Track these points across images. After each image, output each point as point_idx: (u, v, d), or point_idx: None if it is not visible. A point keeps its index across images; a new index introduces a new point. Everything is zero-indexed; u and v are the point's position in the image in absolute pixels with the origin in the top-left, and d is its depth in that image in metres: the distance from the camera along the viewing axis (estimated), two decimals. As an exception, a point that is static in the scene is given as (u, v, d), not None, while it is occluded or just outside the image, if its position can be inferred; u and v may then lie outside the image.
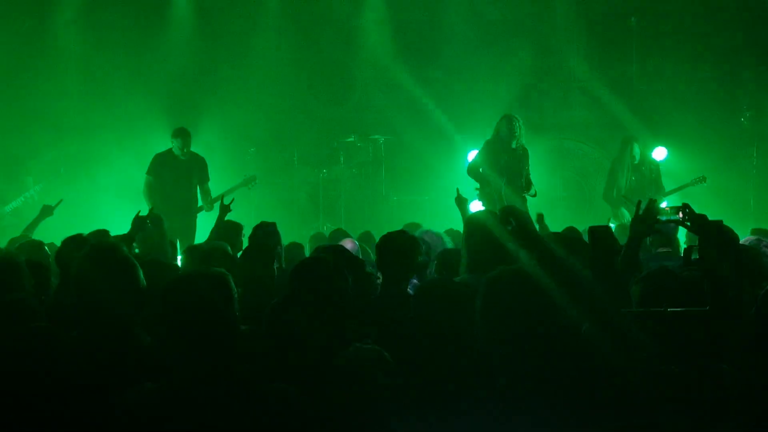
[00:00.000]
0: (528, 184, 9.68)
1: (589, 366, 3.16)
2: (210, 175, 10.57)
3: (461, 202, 7.50)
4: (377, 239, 8.09)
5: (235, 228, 7.45)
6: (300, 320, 3.17)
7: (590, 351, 3.32)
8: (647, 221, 4.44)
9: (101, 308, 3.36)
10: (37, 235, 8.12)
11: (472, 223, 5.18)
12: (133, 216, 6.71)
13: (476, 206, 10.85)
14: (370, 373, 2.90)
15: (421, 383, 3.01)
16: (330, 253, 4.66)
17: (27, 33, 12.50)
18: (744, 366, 2.94)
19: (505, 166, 9.63)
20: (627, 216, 10.87)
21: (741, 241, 5.33)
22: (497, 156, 9.71)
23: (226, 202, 7.94)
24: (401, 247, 5.00)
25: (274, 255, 6.11)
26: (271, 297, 4.05)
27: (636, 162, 11.15)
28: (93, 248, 3.56)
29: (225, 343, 2.85)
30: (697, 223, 4.05)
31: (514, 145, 9.73)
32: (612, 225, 10.40)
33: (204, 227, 9.27)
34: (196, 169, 10.36)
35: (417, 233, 7.48)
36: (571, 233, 6.24)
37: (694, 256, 3.84)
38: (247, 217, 11.27)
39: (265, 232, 6.63)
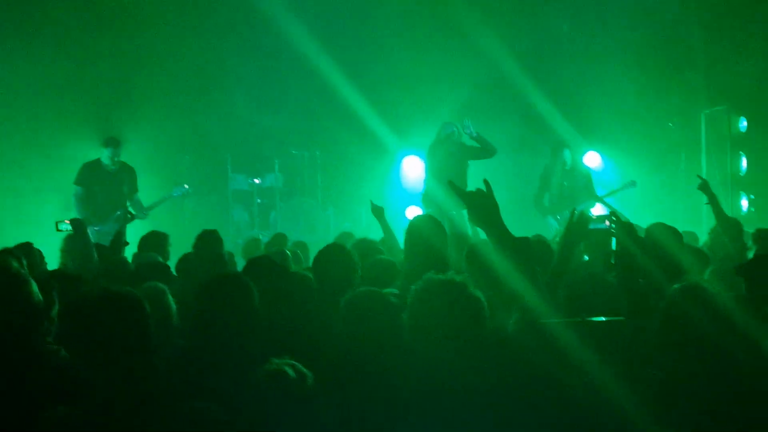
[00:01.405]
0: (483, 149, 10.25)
1: (519, 372, 3.15)
2: (142, 185, 10.41)
3: (378, 212, 7.54)
4: (311, 248, 8.12)
5: (162, 238, 7.33)
6: (214, 338, 3.12)
7: (520, 358, 3.30)
8: (580, 229, 4.51)
9: None
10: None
11: (411, 229, 5.17)
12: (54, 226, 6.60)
13: (415, 211, 10.91)
14: (286, 389, 2.85)
15: (345, 399, 2.97)
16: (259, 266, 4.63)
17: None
18: (659, 369, 2.97)
19: (449, 167, 9.96)
20: (550, 228, 11.02)
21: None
22: (441, 159, 10.12)
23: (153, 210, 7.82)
24: (337, 262, 4.97)
25: (224, 261, 6.08)
26: None
27: (568, 168, 11.29)
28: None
29: (136, 364, 2.76)
30: (622, 230, 4.10)
31: (455, 149, 10.14)
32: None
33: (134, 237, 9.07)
34: (126, 179, 10.19)
35: (351, 243, 7.47)
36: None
37: (612, 260, 3.89)
38: (180, 226, 11.15)
39: (212, 239, 6.56)
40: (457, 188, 3.57)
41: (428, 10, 13.37)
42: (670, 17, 12.59)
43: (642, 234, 4.99)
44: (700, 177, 7.84)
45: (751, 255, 6.43)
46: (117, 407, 2.70)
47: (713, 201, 7.51)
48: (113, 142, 10.16)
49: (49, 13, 12.32)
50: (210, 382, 3.20)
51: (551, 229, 11.03)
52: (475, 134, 10.32)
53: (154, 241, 7.25)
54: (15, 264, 3.36)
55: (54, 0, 12.36)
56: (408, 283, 4.51)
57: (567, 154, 11.27)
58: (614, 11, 12.81)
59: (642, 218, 9.90)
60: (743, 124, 11.83)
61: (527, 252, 3.44)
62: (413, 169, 12.84)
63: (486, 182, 3.40)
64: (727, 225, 7.21)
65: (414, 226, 5.27)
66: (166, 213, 11.08)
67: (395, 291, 3.97)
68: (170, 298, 4.39)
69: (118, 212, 9.99)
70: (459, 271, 4.43)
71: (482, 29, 13.39)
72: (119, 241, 6.91)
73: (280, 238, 8.91)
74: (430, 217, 5.54)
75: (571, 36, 13.56)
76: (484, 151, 10.32)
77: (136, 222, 10.05)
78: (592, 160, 12.24)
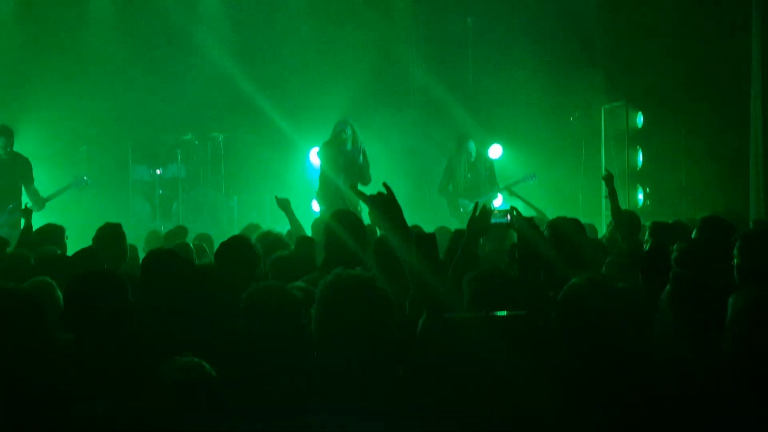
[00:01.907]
0: (362, 176, 10.03)
1: (426, 367, 3.16)
2: (39, 176, 10.09)
3: (284, 204, 7.55)
4: (216, 240, 8.00)
5: (59, 231, 7.13)
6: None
7: (427, 353, 3.32)
8: (482, 223, 4.59)
9: None
10: None
11: (328, 223, 5.19)
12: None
13: (314, 206, 10.90)
14: (187, 387, 2.79)
15: (248, 394, 2.93)
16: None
17: None
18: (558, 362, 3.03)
19: (343, 166, 10.01)
20: (463, 208, 11.16)
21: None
22: (335, 157, 10.06)
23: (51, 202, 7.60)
24: (240, 255, 4.94)
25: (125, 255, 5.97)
26: None
27: (472, 159, 11.44)
28: None
29: (29, 359, 2.68)
30: (521, 225, 4.20)
31: (349, 147, 10.14)
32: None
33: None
34: (20, 169, 9.84)
35: (256, 235, 7.39)
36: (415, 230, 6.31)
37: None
38: (79, 218, 10.84)
39: (114, 232, 6.41)
40: (359, 192, 3.57)
41: (332, 2, 13.34)
42: (572, 12, 12.87)
43: (543, 227, 5.09)
44: (607, 170, 8.06)
45: (646, 247, 6.62)
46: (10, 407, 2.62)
47: (613, 195, 7.72)
48: (5, 131, 9.79)
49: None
50: (104, 379, 3.11)
51: (464, 209, 11.15)
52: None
53: (51, 234, 7.04)
54: None
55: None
56: (321, 277, 4.50)
57: (471, 146, 11.43)
58: (517, 5, 13.01)
59: (544, 210, 10.15)
60: (640, 119, 12.18)
61: (433, 249, 3.44)
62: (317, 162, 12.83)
63: (386, 185, 3.41)
64: (621, 220, 7.41)
65: (330, 220, 5.28)
66: (64, 204, 10.76)
67: (302, 285, 3.94)
68: (59, 292, 4.30)
69: (11, 205, 9.65)
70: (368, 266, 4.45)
71: (385, 21, 13.47)
72: (28, 233, 6.71)
73: (180, 230, 8.74)
74: (347, 212, 5.55)
75: (475, 29, 13.71)
76: (361, 175, 10.11)
77: (34, 214, 9.73)
78: (494, 152, 12.43)
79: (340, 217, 5.28)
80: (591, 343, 2.97)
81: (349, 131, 10.17)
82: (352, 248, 4.91)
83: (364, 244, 5.02)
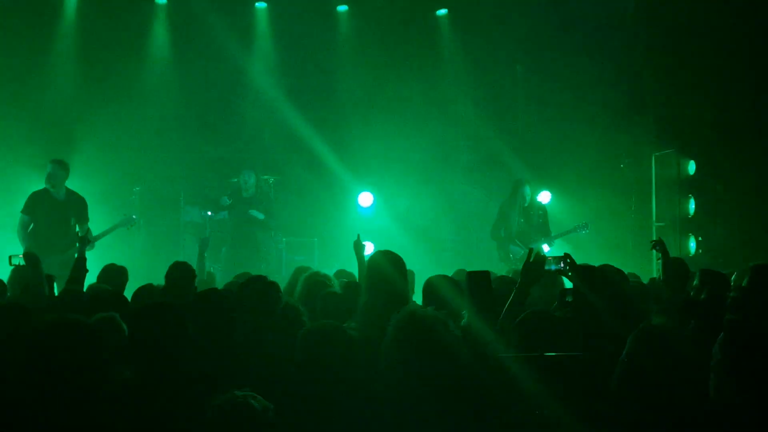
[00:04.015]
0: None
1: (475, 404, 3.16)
2: (91, 215, 10.22)
3: (359, 247, 7.53)
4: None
5: (122, 271, 7.27)
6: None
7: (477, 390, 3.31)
8: (536, 269, 4.60)
9: None
10: None
11: (371, 264, 5.19)
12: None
13: (369, 248, 10.93)
14: (251, 421, 2.81)
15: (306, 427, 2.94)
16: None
17: None
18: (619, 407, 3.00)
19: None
20: (513, 254, 11.09)
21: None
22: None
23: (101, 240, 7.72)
24: (261, 293, 4.96)
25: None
26: None
27: (525, 204, 11.37)
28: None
29: (90, 395, 2.71)
30: (576, 272, 4.19)
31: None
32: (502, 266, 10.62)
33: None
34: (74, 209, 9.98)
35: (304, 276, 7.44)
36: (461, 276, 6.31)
37: (568, 298, 3.97)
38: (129, 258, 10.97)
39: (182, 271, 6.48)
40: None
41: (383, 48, 13.51)
42: (623, 61, 12.85)
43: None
44: (659, 238, 7.81)
45: (694, 294, 6.51)
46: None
47: (665, 256, 7.45)
48: (62, 166, 9.93)
49: (7, 38, 12.19)
50: (164, 413, 3.14)
51: (513, 255, 11.09)
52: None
53: (114, 274, 7.17)
54: None
55: (3, 29, 12.24)
56: (368, 317, 4.52)
57: (527, 191, 11.36)
58: (567, 53, 13.02)
59: (592, 257, 10.05)
60: (692, 167, 12.05)
61: (488, 285, 3.44)
62: (368, 204, 12.96)
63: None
64: (671, 271, 7.23)
65: (374, 261, 5.29)
66: (115, 243, 10.89)
67: (353, 325, 3.97)
68: (124, 326, 4.35)
69: (65, 241, 9.80)
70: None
71: (435, 68, 13.61)
72: (82, 267, 6.81)
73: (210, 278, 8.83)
74: (390, 253, 5.56)
75: (524, 76, 13.76)
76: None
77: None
78: (543, 198, 12.36)
79: (387, 256, 5.28)
80: (661, 385, 2.94)
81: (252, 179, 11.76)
82: (398, 286, 4.90)
83: (408, 282, 5.02)
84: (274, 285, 4.99)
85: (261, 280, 5.08)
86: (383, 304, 4.49)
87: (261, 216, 11.84)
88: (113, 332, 4.28)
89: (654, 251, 7.61)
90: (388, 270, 4.97)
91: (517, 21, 13.04)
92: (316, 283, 6.39)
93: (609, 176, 13.06)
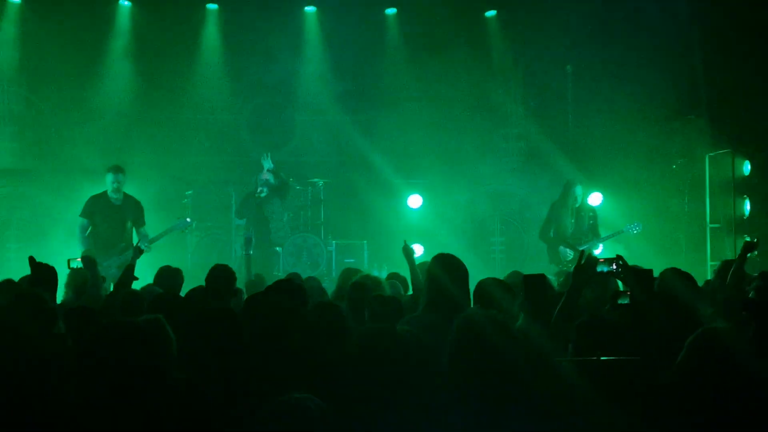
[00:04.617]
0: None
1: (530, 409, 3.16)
2: (145, 218, 10.40)
3: (408, 252, 7.53)
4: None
5: (175, 272, 7.37)
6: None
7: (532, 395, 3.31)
8: (588, 271, 4.56)
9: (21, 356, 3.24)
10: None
11: (430, 270, 5.21)
12: (65, 258, 6.65)
13: (419, 250, 10.97)
14: (309, 424, 2.84)
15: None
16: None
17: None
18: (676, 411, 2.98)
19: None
20: (563, 256, 11.01)
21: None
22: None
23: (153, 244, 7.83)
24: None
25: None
26: None
27: (576, 205, 11.28)
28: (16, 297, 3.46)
29: (146, 393, 2.77)
30: (628, 274, 4.16)
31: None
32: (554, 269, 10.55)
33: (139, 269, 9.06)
34: (131, 212, 10.17)
35: (356, 278, 7.47)
36: (513, 278, 6.31)
37: (622, 301, 3.94)
38: (182, 260, 11.15)
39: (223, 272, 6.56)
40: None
41: (433, 51, 13.51)
42: (675, 60, 12.67)
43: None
44: (755, 238, 7.59)
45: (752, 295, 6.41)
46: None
47: (742, 260, 7.25)
48: (119, 170, 10.15)
49: (62, 50, 12.45)
50: (219, 414, 3.18)
51: (563, 256, 11.02)
52: (271, 167, 11.53)
53: (169, 276, 7.29)
54: (48, 298, 3.40)
55: (60, 35, 12.48)
56: (422, 317, 4.55)
57: (578, 191, 11.26)
58: (617, 53, 12.89)
59: (644, 259, 9.93)
60: (747, 167, 11.86)
61: (544, 288, 3.42)
62: (416, 206, 12.99)
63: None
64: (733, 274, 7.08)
65: (432, 267, 5.29)
66: (169, 246, 11.06)
67: (405, 327, 3.98)
68: (169, 329, 4.42)
69: (122, 244, 9.99)
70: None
71: (485, 69, 13.58)
72: (130, 275, 6.93)
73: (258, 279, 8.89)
74: (447, 257, 5.54)
75: (574, 75, 13.65)
76: (279, 188, 11.61)
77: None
78: (594, 200, 12.25)
79: (443, 261, 5.28)
80: (720, 389, 2.91)
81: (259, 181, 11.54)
82: (454, 291, 4.91)
83: (466, 287, 5.01)
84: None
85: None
86: (440, 308, 4.53)
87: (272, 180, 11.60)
88: (164, 334, 4.35)
89: (708, 250, 7.44)
90: (444, 275, 4.97)
91: (566, 21, 12.93)
92: (365, 285, 6.42)
93: (661, 177, 12.89)
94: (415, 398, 3.14)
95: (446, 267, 5.03)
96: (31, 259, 4.77)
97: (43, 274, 4.61)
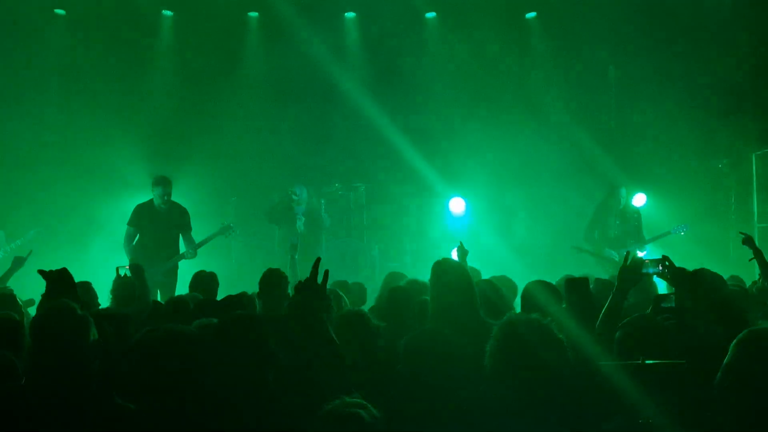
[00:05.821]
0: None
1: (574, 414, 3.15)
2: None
3: (462, 253, 7.49)
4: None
5: (210, 277, 7.44)
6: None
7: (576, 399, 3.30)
8: (634, 273, 4.47)
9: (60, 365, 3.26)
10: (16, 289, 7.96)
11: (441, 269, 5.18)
12: (114, 267, 6.76)
13: (453, 255, 10.92)
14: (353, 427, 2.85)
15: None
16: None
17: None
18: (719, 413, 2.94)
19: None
20: (606, 256, 10.91)
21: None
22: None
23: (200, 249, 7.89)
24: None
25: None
26: None
27: (621, 207, 11.20)
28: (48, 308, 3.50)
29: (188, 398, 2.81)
30: (675, 275, 4.11)
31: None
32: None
33: (185, 275, 9.17)
34: (177, 218, 10.26)
35: (401, 283, 7.49)
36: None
37: (666, 304, 3.90)
38: (227, 266, 11.25)
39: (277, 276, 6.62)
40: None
41: (473, 53, 13.49)
42: (720, 60, 12.50)
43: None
44: (743, 233, 7.58)
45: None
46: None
47: (758, 256, 7.20)
48: (164, 181, 10.24)
49: (105, 60, 12.65)
50: (268, 420, 3.20)
51: (608, 261, 10.92)
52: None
53: (204, 281, 7.36)
54: (77, 306, 3.43)
55: (101, 48, 12.69)
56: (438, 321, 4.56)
57: (623, 193, 11.21)
58: (660, 53, 12.75)
59: (690, 262, 9.79)
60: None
61: (587, 292, 3.40)
62: (459, 210, 12.95)
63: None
64: None
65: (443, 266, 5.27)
66: (213, 251, 11.16)
67: (447, 331, 3.99)
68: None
69: (169, 251, 10.10)
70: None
71: (526, 70, 13.52)
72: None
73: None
74: (442, 261, 5.50)
75: (617, 78, 13.54)
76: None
77: (186, 260, 10.15)
78: (638, 201, 12.13)
79: (434, 270, 5.26)
80: (756, 398, 2.87)
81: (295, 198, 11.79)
82: (451, 298, 4.87)
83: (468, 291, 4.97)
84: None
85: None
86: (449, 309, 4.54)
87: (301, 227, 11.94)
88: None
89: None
90: (437, 284, 4.93)
91: (608, 22, 12.82)
92: (405, 290, 6.42)
93: (706, 177, 12.74)
94: (464, 402, 3.15)
95: (437, 275, 5.00)
96: (42, 272, 4.39)
97: (58, 283, 4.35)
